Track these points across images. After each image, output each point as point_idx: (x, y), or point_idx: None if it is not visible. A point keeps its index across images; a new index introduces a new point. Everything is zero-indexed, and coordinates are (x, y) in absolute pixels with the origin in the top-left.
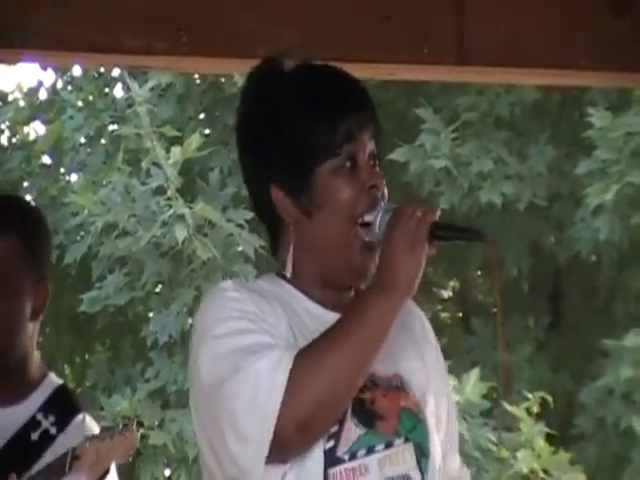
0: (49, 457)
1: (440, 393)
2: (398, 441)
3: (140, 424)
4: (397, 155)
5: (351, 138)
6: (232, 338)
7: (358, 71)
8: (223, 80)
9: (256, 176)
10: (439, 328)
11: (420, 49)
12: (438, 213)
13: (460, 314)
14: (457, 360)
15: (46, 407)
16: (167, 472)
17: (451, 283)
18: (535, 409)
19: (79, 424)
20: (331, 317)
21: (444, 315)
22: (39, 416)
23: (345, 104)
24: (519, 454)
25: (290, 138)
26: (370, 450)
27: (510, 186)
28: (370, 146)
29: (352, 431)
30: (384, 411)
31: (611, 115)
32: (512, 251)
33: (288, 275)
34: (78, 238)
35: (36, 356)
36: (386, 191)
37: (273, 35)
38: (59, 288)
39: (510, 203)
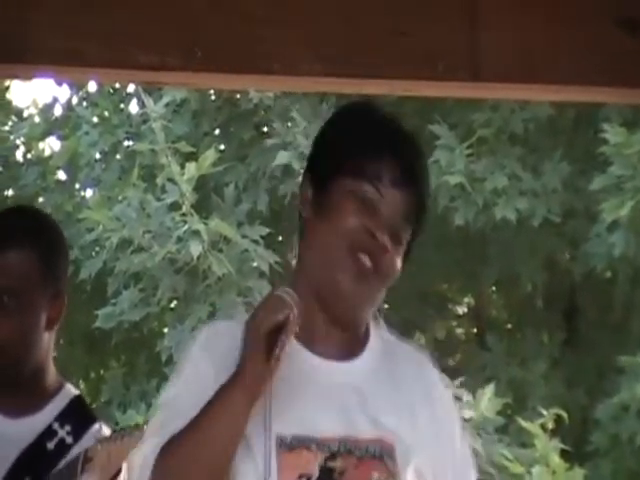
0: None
1: (440, 458)
2: None
3: None
4: None
5: (378, 176)
6: (159, 410)
7: (374, 88)
8: (238, 96)
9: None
10: (453, 344)
11: (434, 66)
12: (274, 318)
13: (475, 330)
14: (471, 376)
15: (62, 417)
16: None
17: (466, 299)
18: (550, 425)
19: (95, 433)
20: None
21: (459, 331)
22: (55, 425)
23: (388, 149)
24: (534, 470)
25: (334, 140)
26: None
27: (525, 202)
28: (399, 221)
29: None
30: None
31: (626, 131)
32: (527, 267)
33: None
34: (93, 254)
35: (52, 367)
36: (390, 265)
37: (288, 51)
38: (74, 304)
39: (525, 219)
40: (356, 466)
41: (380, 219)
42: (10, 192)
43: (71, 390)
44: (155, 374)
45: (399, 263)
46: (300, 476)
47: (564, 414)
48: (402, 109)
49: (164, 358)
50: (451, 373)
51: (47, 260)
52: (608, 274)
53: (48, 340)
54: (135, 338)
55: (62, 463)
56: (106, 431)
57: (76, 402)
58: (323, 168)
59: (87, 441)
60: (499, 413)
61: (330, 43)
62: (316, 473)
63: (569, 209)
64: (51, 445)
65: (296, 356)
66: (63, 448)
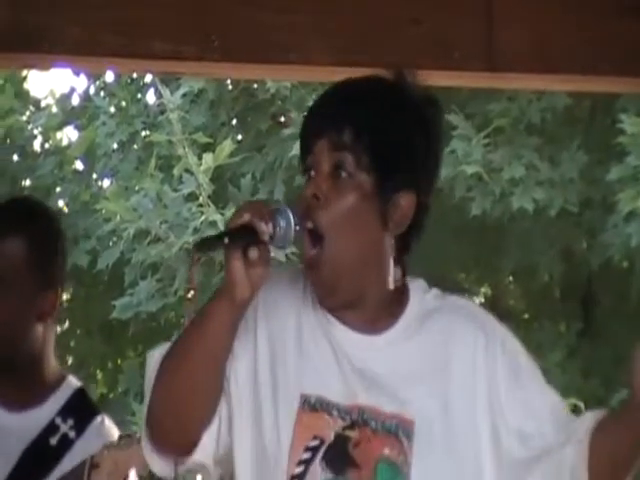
0: (68, 461)
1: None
2: None
3: None
4: None
5: (307, 150)
6: None
7: None
8: (255, 86)
9: None
10: None
11: (450, 55)
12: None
13: None
14: None
15: (65, 411)
16: (199, 477)
17: (482, 289)
18: None
19: (98, 427)
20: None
21: None
22: (58, 420)
23: (309, 117)
24: None
25: None
26: None
27: (542, 192)
28: (331, 157)
29: (317, 475)
30: (361, 459)
31: None
32: (544, 257)
33: None
34: (110, 244)
35: (52, 359)
36: (333, 204)
37: (304, 41)
38: (91, 294)
39: (542, 209)
40: (369, 439)
41: (314, 175)
42: (27, 182)
43: (73, 382)
44: None
45: (340, 194)
46: (314, 437)
47: (581, 404)
48: None
49: None
50: None
51: (38, 251)
52: (625, 264)
53: (43, 332)
54: (152, 328)
55: (67, 462)
56: (109, 424)
57: (78, 395)
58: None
59: (89, 435)
60: None
61: (346, 32)
62: (331, 438)
63: (586, 199)
64: (54, 441)
65: (329, 328)
66: (66, 443)
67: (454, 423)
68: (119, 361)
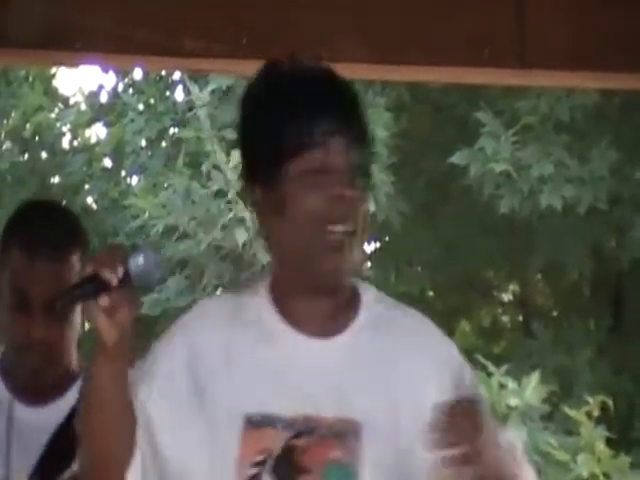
0: None
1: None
2: None
3: None
4: (457, 159)
5: (319, 143)
6: None
7: (420, 74)
8: None
9: (245, 176)
10: (499, 332)
11: (480, 52)
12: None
13: (520, 318)
14: (517, 364)
15: None
16: None
17: (511, 286)
18: (595, 413)
19: None
20: (291, 338)
21: (504, 319)
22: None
23: (318, 108)
24: (579, 458)
25: (264, 134)
26: None
27: (571, 190)
28: (347, 157)
29: None
30: (310, 464)
31: None
32: (573, 255)
33: (268, 281)
34: (139, 241)
35: (73, 351)
36: (361, 205)
37: (335, 38)
38: None
39: (571, 207)
40: (317, 445)
41: (334, 175)
42: (56, 179)
43: None
44: None
45: (361, 201)
46: (260, 452)
47: (610, 402)
48: (447, 96)
49: None
50: (496, 360)
51: (84, 260)
52: None
53: (62, 326)
54: None
55: None
56: None
57: None
58: (261, 165)
59: None
60: (544, 401)
61: (376, 30)
62: (277, 450)
63: (615, 196)
64: None
65: (279, 336)
66: None
67: (401, 424)
68: None
